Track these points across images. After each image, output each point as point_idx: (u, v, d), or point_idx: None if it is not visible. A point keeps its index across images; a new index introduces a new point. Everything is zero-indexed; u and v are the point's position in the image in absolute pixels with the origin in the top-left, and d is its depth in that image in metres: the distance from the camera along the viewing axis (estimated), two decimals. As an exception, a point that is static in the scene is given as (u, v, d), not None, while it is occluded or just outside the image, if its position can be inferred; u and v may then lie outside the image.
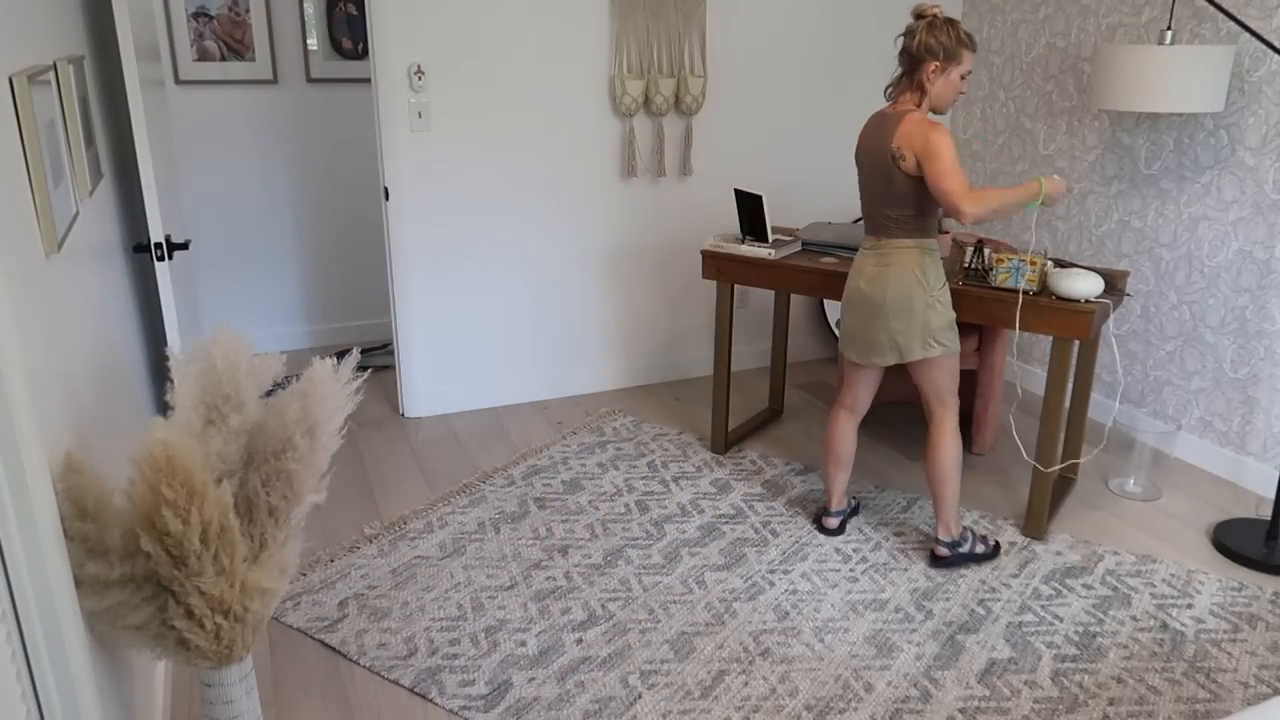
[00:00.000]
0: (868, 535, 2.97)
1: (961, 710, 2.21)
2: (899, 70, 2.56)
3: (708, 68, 3.93)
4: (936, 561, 2.78)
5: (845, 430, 2.90)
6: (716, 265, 3.34)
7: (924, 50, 2.46)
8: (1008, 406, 4.04)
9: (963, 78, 2.50)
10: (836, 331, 4.52)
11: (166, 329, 2.59)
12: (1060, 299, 2.71)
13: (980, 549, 2.81)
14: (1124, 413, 3.72)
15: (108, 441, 1.92)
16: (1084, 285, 2.68)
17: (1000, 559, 2.84)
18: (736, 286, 4.04)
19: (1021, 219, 4.14)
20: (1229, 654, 2.42)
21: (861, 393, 2.84)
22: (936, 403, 2.72)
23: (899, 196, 2.54)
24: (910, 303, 2.57)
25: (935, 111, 2.56)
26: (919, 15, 2.50)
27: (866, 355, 2.70)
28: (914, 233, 2.57)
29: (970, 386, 3.80)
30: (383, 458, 3.52)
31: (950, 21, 2.47)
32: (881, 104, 4.32)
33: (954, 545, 2.78)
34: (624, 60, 3.77)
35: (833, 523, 2.98)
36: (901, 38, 2.53)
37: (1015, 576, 2.75)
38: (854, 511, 3.08)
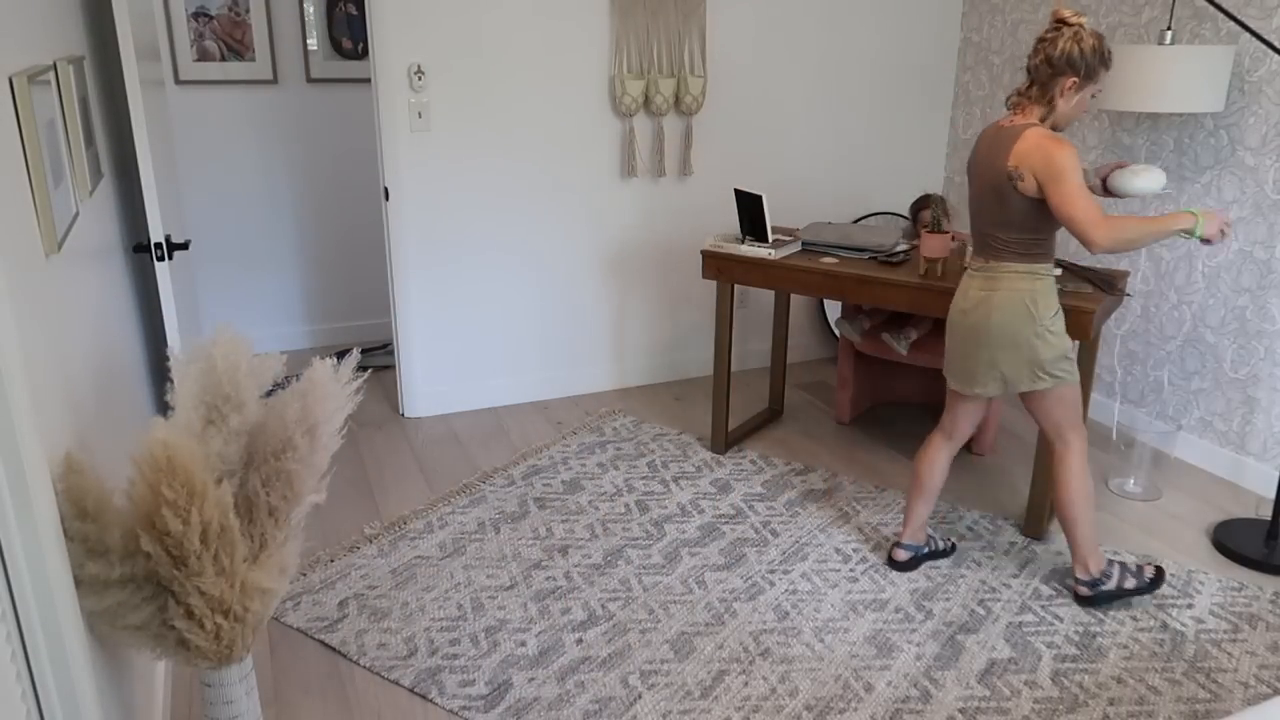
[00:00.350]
0: (868, 535, 2.97)
1: (961, 710, 2.21)
2: (1027, 80, 2.32)
3: (708, 68, 3.93)
4: (1081, 602, 2.59)
5: (938, 457, 2.67)
6: (716, 265, 3.34)
7: (1065, 61, 2.23)
8: (1008, 407, 4.03)
9: (1093, 97, 2.30)
10: (836, 332, 4.52)
11: (166, 329, 2.59)
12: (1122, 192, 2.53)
13: (1131, 584, 2.57)
14: (1124, 413, 3.72)
15: (108, 441, 1.92)
16: (1147, 181, 2.48)
17: (1001, 559, 2.84)
18: (736, 286, 4.03)
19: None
20: (1229, 654, 2.42)
21: (962, 421, 2.62)
22: (1055, 437, 2.51)
23: (1014, 219, 2.33)
24: (1017, 333, 2.37)
25: (1055, 129, 2.32)
26: (1061, 21, 2.27)
27: (968, 384, 2.51)
28: (1027, 258, 2.37)
29: (970, 386, 3.80)
30: (383, 458, 3.52)
31: (1097, 35, 2.24)
32: (880, 104, 4.32)
33: (1094, 584, 2.56)
34: (624, 60, 3.77)
35: (902, 555, 2.74)
36: (1039, 43, 2.27)
37: (1015, 576, 2.75)
38: (942, 554, 2.79)
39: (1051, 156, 2.21)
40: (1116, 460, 3.47)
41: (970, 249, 2.54)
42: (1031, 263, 2.37)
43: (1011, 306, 2.37)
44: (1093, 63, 2.24)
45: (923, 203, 3.54)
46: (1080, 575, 2.58)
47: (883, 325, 3.58)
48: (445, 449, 3.60)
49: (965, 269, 2.52)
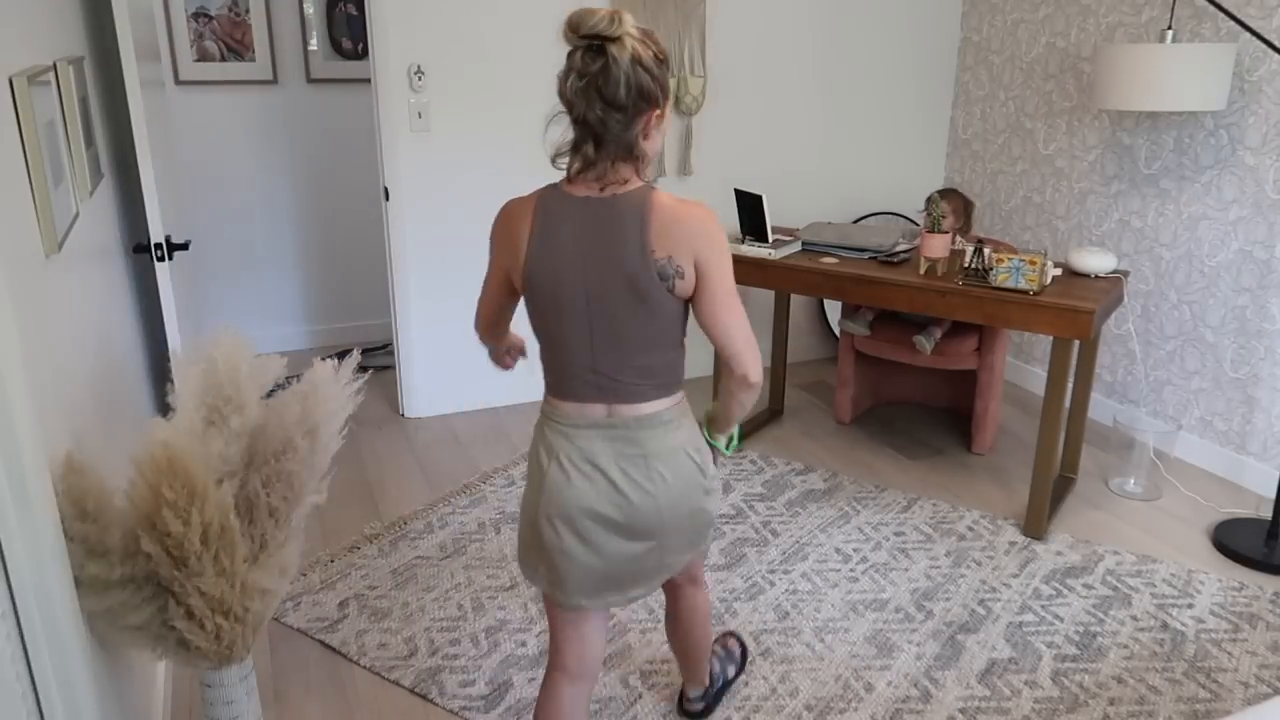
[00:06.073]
0: (868, 535, 2.97)
1: (962, 710, 2.21)
2: (586, 135, 1.48)
3: (708, 68, 3.93)
4: (694, 716, 2.18)
5: (566, 706, 1.76)
6: (716, 265, 3.33)
7: (639, 93, 1.45)
8: (1008, 406, 4.03)
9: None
10: (837, 332, 4.52)
11: (166, 329, 2.59)
12: (1073, 274, 2.74)
13: (731, 670, 2.26)
14: (1124, 413, 3.72)
15: (108, 441, 1.92)
16: (1097, 261, 2.93)
17: (1002, 559, 2.84)
18: (736, 286, 4.03)
19: (1022, 220, 4.14)
20: (1229, 654, 2.42)
21: (596, 647, 1.79)
22: (693, 580, 1.97)
23: (665, 334, 1.57)
24: (691, 502, 1.65)
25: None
26: (607, 37, 1.41)
27: (618, 594, 1.71)
28: (675, 389, 1.64)
29: (970, 386, 3.80)
30: (383, 458, 3.52)
31: (648, 34, 1.49)
32: (880, 104, 4.31)
33: (705, 693, 2.17)
34: (624, 60, 3.76)
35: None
36: (585, 79, 1.42)
37: (1015, 576, 2.75)
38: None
39: (711, 227, 1.52)
40: (1116, 460, 3.47)
41: (558, 398, 1.62)
42: (678, 394, 1.64)
43: (680, 472, 1.61)
44: (665, 77, 1.51)
45: (936, 196, 3.52)
46: (695, 693, 2.15)
47: (902, 328, 3.56)
48: (445, 449, 3.60)
49: (559, 426, 1.61)
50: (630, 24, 1.44)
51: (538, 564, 1.68)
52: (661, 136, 1.59)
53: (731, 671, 2.27)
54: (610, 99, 1.43)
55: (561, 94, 1.47)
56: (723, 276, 1.55)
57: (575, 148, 1.52)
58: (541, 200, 1.57)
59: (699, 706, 2.18)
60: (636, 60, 1.43)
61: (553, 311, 1.56)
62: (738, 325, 1.57)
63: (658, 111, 1.52)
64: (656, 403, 1.60)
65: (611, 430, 1.59)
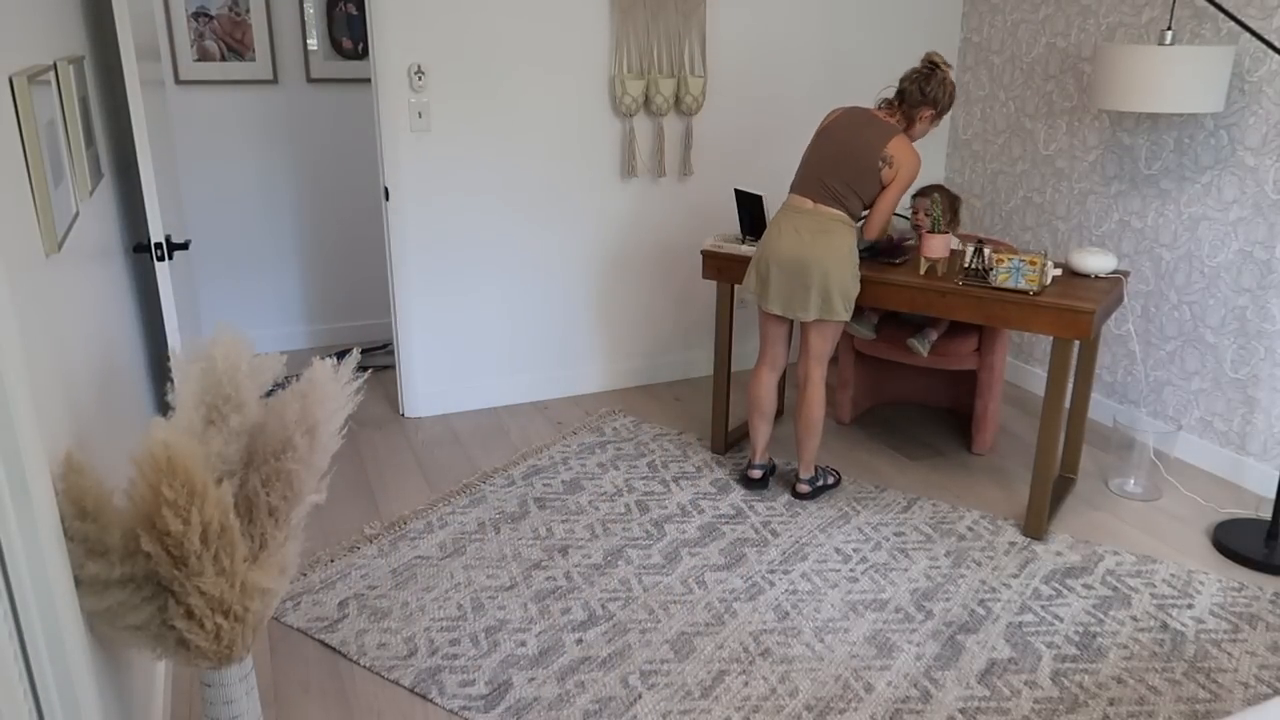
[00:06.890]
0: (868, 535, 2.97)
1: (962, 710, 2.21)
2: (899, 96, 2.93)
3: (708, 68, 3.93)
4: (801, 495, 3.19)
5: (770, 384, 3.19)
6: (716, 265, 3.34)
7: (931, 97, 2.88)
8: (1008, 406, 4.03)
9: (934, 126, 2.99)
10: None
11: (166, 329, 2.59)
12: (1073, 275, 2.75)
13: (831, 480, 3.26)
14: (1124, 413, 3.72)
15: (108, 441, 1.92)
16: (1097, 262, 2.94)
17: (1001, 559, 2.84)
18: (737, 286, 4.03)
19: (1022, 220, 4.14)
20: (1229, 654, 2.42)
21: (781, 348, 3.19)
22: (818, 362, 3.08)
23: (864, 188, 2.90)
24: (840, 270, 2.91)
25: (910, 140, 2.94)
26: (934, 65, 2.88)
27: (792, 310, 2.99)
28: (854, 216, 2.95)
29: (970, 386, 3.80)
30: (383, 458, 3.52)
31: (953, 83, 2.91)
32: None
33: (812, 480, 3.21)
34: (624, 60, 3.77)
35: (757, 474, 3.27)
36: (915, 74, 2.88)
37: (1015, 576, 2.75)
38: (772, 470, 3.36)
39: (915, 164, 2.87)
40: (1116, 460, 3.46)
41: (794, 192, 3.00)
42: (855, 221, 2.96)
43: (840, 249, 2.89)
44: (946, 104, 2.91)
45: (922, 192, 3.52)
46: (804, 475, 3.20)
47: (900, 328, 3.56)
48: (445, 449, 3.60)
49: (788, 207, 2.99)
50: (950, 69, 2.90)
51: (754, 283, 3.04)
52: (925, 128, 2.96)
53: (831, 480, 3.27)
54: (919, 87, 2.89)
55: (902, 79, 2.92)
56: (898, 185, 2.89)
57: (889, 100, 2.97)
58: (847, 109, 3.00)
59: (806, 489, 3.20)
60: (940, 82, 2.88)
61: (816, 150, 2.98)
62: (885, 208, 2.93)
63: (931, 112, 2.92)
64: (839, 212, 2.92)
65: (813, 215, 2.93)
